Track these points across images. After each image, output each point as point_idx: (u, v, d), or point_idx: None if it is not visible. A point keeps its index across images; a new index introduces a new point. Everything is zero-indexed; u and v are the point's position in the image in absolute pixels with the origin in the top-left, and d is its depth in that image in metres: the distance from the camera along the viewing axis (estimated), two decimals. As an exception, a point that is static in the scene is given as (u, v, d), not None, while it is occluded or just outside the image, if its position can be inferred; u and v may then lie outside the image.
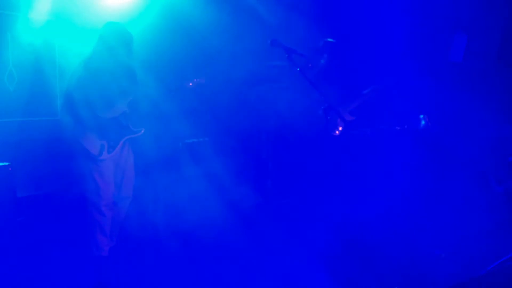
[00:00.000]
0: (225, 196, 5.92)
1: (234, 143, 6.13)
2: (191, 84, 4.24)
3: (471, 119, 5.37)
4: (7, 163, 4.15)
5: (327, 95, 3.44)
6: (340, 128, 4.85)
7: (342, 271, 4.23)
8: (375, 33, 5.89)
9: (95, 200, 3.92)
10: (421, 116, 4.40)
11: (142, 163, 5.01)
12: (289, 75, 5.97)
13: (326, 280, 3.38)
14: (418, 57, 5.86)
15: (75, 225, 4.64)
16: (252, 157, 6.26)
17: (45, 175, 4.86)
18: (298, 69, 3.28)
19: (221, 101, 6.06)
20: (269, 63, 5.99)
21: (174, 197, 5.56)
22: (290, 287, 3.99)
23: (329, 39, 5.21)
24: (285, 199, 5.90)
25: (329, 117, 3.29)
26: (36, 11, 5.06)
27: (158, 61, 5.57)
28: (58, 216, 4.69)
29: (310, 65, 3.37)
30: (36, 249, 4.42)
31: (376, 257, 4.15)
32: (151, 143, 4.75)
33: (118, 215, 4.15)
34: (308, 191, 5.21)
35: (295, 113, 5.38)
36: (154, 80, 5.15)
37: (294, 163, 5.51)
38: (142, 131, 4.07)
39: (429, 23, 5.93)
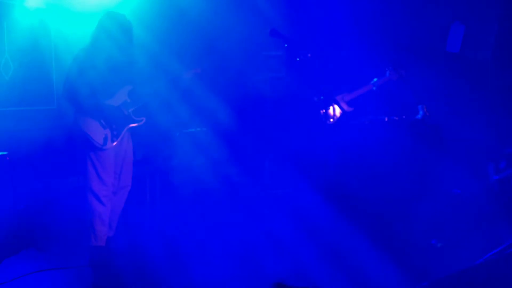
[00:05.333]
0: (224, 184, 5.95)
1: (231, 132, 6.14)
2: (188, 74, 4.18)
3: (469, 110, 5.39)
4: (4, 153, 4.13)
5: (326, 85, 3.44)
6: (335, 117, 4.86)
7: (339, 263, 4.27)
8: (373, 24, 5.88)
9: (96, 190, 3.89)
10: (420, 106, 4.40)
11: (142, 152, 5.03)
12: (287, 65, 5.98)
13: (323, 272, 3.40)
14: (416, 47, 5.87)
15: (73, 214, 4.64)
16: (249, 147, 6.27)
17: (42, 164, 4.85)
18: (298, 59, 3.26)
19: (219, 91, 6.05)
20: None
21: (172, 186, 5.58)
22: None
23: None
24: (282, 188, 5.93)
25: (323, 106, 3.28)
26: (32, -1, 5.03)
27: (156, 50, 5.55)
28: (57, 205, 4.67)
29: (309, 55, 3.35)
30: (35, 238, 4.41)
31: (373, 244, 4.18)
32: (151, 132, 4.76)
33: (117, 204, 4.14)
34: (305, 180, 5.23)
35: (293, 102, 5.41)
36: (154, 70, 5.15)
37: (291, 151, 5.53)
38: (144, 120, 4.03)
39: (426, 14, 5.92)
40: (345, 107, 5.07)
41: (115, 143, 3.86)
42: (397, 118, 4.27)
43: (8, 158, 4.16)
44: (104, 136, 3.79)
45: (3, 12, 4.83)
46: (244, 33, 6.06)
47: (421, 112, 4.38)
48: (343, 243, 4.32)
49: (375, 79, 5.19)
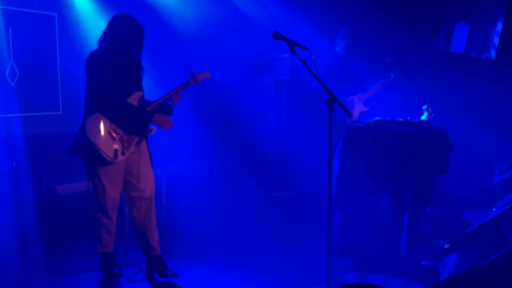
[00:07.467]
0: (228, 189, 5.97)
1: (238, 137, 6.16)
2: (198, 79, 3.93)
3: (474, 110, 5.38)
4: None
5: (336, 86, 3.42)
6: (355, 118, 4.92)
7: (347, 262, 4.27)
8: (376, 25, 5.89)
9: (102, 203, 3.73)
10: (424, 107, 4.39)
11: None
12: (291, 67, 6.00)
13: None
14: (420, 47, 5.87)
15: (78, 219, 4.65)
16: (255, 151, 6.29)
17: (48, 170, 4.87)
18: (303, 61, 3.24)
19: (222, 95, 6.08)
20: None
21: (177, 189, 5.60)
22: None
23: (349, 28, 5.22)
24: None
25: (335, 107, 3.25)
26: (37, 6, 5.07)
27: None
28: (63, 211, 4.70)
29: (313, 57, 3.34)
30: (42, 245, 4.44)
31: (384, 247, 4.18)
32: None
33: (145, 218, 3.87)
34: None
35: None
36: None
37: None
38: (154, 130, 3.83)
39: (431, 14, 5.92)
40: (361, 107, 5.11)
41: (125, 156, 3.67)
42: (401, 120, 4.25)
43: (14, 164, 4.18)
44: (114, 149, 3.59)
45: (9, 18, 4.87)
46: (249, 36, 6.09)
47: (425, 113, 4.37)
48: (351, 245, 4.32)
49: (380, 81, 5.20)
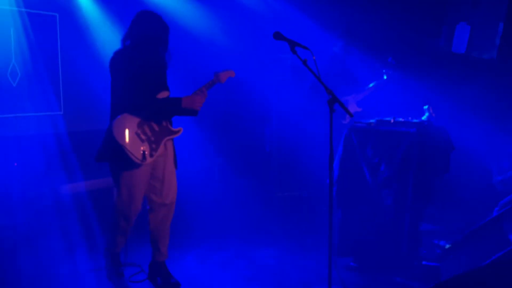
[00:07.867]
0: (229, 189, 5.97)
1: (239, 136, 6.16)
2: (222, 78, 3.80)
3: (475, 110, 5.38)
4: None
5: (332, 86, 3.41)
6: (347, 118, 4.93)
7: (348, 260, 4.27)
8: (377, 25, 5.89)
9: (125, 208, 3.62)
10: (425, 107, 4.39)
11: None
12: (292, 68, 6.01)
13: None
14: (421, 48, 5.87)
15: (80, 219, 4.66)
16: (257, 151, 6.30)
17: (49, 170, 4.88)
18: (304, 61, 3.24)
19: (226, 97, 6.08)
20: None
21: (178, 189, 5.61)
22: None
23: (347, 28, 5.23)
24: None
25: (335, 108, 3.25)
26: (38, 6, 5.07)
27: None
28: (65, 212, 4.70)
29: (314, 57, 3.34)
30: (48, 245, 4.45)
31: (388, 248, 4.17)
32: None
33: (162, 222, 3.79)
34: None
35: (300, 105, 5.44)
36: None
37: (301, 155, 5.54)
38: (181, 130, 3.73)
39: (432, 14, 5.92)
40: (354, 108, 5.12)
41: (153, 158, 3.54)
42: (402, 120, 4.25)
43: (16, 164, 4.19)
44: (142, 150, 3.45)
45: (11, 19, 4.87)
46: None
47: (426, 113, 4.37)
48: (352, 245, 4.32)
49: (373, 82, 5.19)
